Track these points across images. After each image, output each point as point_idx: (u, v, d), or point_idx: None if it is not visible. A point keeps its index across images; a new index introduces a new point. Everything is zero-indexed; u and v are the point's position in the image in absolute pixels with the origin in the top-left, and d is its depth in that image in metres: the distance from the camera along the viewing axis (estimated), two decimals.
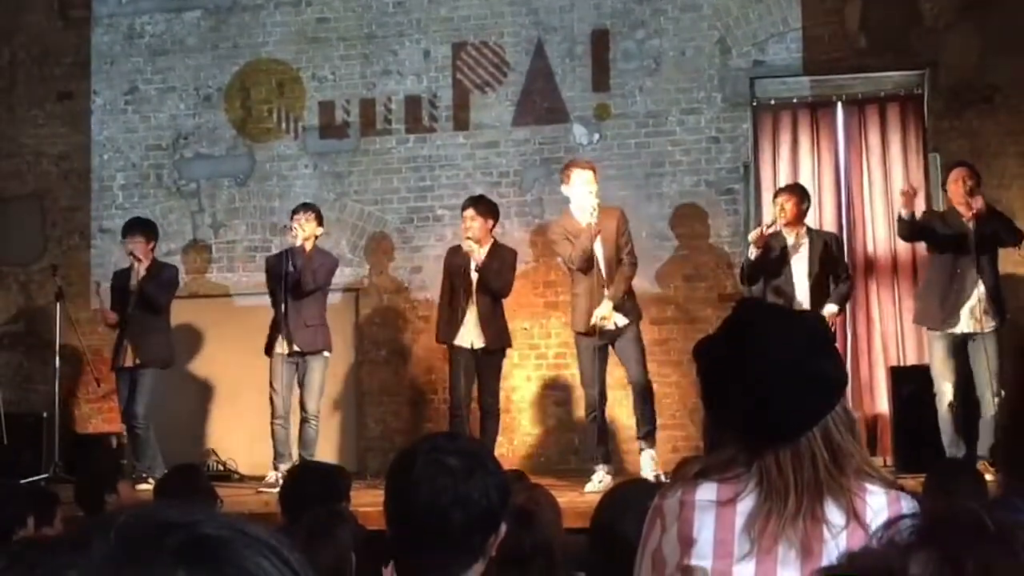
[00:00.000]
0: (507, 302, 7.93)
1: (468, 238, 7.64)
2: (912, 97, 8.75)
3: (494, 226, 7.85)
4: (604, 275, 7.32)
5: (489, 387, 7.72)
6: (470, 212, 7.72)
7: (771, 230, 7.47)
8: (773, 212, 7.60)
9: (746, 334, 2.00)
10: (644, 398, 7.46)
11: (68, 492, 5.27)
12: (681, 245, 8.77)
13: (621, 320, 7.36)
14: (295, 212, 8.04)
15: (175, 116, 9.70)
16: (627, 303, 7.43)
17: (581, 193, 7.37)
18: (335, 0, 9.49)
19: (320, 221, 8.05)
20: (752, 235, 7.57)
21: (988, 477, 5.83)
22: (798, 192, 7.68)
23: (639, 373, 7.44)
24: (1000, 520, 0.97)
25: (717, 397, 2.04)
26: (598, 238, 7.33)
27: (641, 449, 7.42)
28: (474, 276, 7.64)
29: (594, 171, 7.48)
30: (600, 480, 7.26)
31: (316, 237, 8.03)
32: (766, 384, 1.93)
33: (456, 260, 7.79)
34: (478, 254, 7.59)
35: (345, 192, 9.36)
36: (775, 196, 7.75)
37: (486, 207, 7.79)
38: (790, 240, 7.51)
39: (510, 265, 7.81)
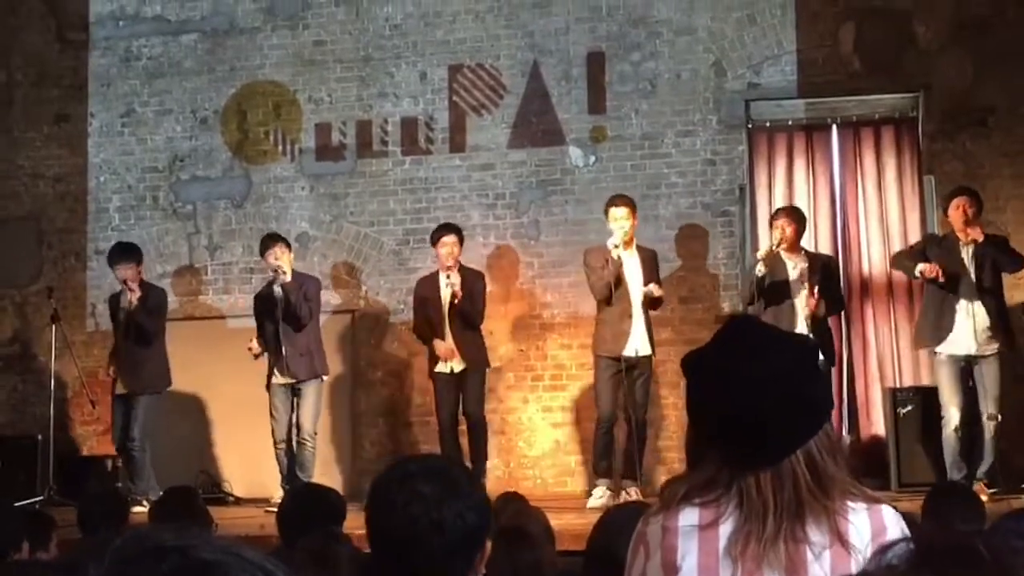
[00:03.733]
0: (503, 324, 7.92)
1: (449, 266, 7.79)
2: (907, 119, 8.78)
3: None
4: (633, 304, 7.50)
5: (472, 398, 7.85)
6: (452, 239, 7.87)
7: (778, 248, 7.54)
8: (774, 234, 7.64)
9: (734, 352, 1.99)
10: (641, 434, 7.56)
11: (62, 515, 5.21)
12: (677, 267, 8.78)
13: (644, 349, 7.54)
14: (266, 251, 7.92)
15: (171, 138, 9.71)
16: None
17: (613, 227, 7.55)
18: (332, 23, 9.52)
19: (288, 246, 8.07)
20: (761, 252, 7.61)
21: (984, 498, 5.83)
22: (797, 216, 7.75)
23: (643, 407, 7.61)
24: (995, 547, 0.97)
25: (701, 413, 2.03)
26: (634, 271, 7.53)
27: (625, 489, 7.49)
28: (444, 303, 7.80)
29: (630, 208, 7.61)
30: (600, 496, 7.40)
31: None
32: (751, 405, 1.91)
33: (426, 291, 7.96)
34: (458, 287, 7.74)
35: (341, 214, 9.37)
36: (774, 217, 7.79)
37: (460, 232, 7.99)
38: (792, 268, 7.54)
39: (481, 294, 7.96)
